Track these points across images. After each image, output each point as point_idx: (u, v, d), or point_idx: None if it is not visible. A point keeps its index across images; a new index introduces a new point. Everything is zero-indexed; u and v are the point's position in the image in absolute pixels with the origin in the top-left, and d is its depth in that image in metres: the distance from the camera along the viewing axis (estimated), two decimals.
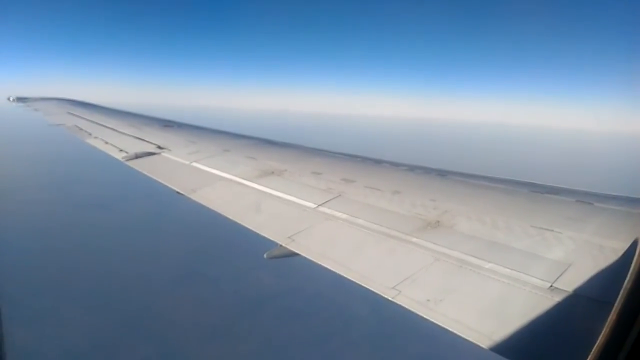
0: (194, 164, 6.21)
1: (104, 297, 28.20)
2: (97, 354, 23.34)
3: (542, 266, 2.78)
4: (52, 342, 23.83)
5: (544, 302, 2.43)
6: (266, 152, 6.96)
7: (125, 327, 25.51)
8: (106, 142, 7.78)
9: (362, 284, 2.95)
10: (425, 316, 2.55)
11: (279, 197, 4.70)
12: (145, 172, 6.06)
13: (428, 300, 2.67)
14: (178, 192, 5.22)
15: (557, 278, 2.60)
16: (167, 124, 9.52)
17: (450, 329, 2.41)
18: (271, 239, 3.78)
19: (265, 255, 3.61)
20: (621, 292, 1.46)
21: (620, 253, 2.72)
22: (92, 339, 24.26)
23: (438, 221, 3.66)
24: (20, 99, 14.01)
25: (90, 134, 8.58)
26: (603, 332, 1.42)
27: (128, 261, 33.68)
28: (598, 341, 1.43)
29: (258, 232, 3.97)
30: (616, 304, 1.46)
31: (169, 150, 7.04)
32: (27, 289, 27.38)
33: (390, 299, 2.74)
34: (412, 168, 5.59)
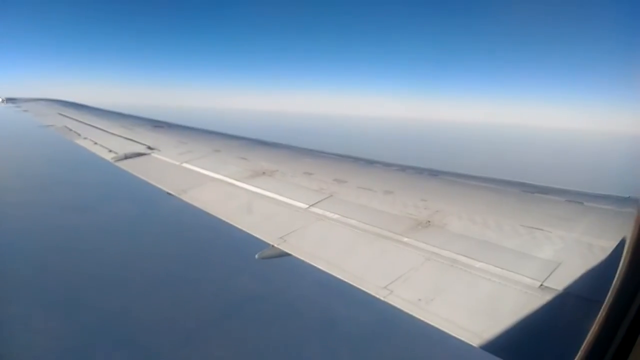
0: (185, 165, 6.17)
1: (81, 301, 27.54)
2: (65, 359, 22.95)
3: (533, 265, 2.79)
4: (22, 347, 23.32)
5: (534, 301, 2.45)
6: (257, 152, 6.93)
7: (99, 332, 24.94)
8: (95, 143, 7.70)
9: (354, 284, 2.94)
10: (416, 315, 2.55)
11: (270, 198, 4.68)
12: (135, 173, 6.00)
13: (419, 299, 2.67)
14: (168, 193, 5.18)
15: (547, 277, 2.62)
16: (158, 125, 9.45)
17: (441, 328, 2.41)
18: (263, 239, 3.77)
19: (257, 256, 3.60)
20: (610, 290, 1.47)
21: (609, 252, 2.75)
22: (64, 344, 23.67)
23: (429, 221, 3.67)
24: (9, 100, 13.87)
25: (79, 135, 8.50)
26: (592, 329, 1.43)
27: (114, 264, 32.99)
28: (587, 338, 1.43)
29: (249, 232, 3.95)
30: (605, 302, 1.46)
31: (159, 150, 6.99)
32: (2, 294, 26.99)
33: (381, 298, 2.74)
34: (403, 168, 5.61)
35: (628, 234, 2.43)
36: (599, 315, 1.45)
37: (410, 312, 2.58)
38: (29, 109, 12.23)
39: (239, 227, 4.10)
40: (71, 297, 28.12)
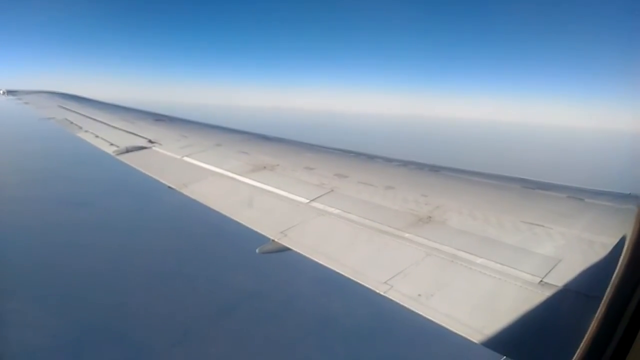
0: (186, 159, 6.16)
1: (81, 297, 27.53)
2: (60, 356, 22.86)
3: (533, 261, 2.80)
4: (19, 343, 23.24)
5: (534, 297, 2.45)
6: (259, 146, 6.92)
7: (97, 328, 24.88)
8: (97, 136, 7.69)
9: (354, 279, 2.95)
10: (416, 311, 2.55)
11: (271, 192, 4.67)
12: (136, 167, 5.99)
13: (419, 295, 2.67)
14: (169, 187, 5.17)
15: (547, 273, 2.62)
16: (159, 118, 9.44)
17: (441, 324, 2.41)
18: (263, 234, 3.77)
19: (257, 250, 3.60)
20: (609, 286, 1.47)
21: (609, 248, 2.75)
22: (62, 340, 23.66)
23: (430, 216, 3.67)
24: (10, 92, 13.84)
25: (80, 128, 8.49)
26: (592, 325, 1.44)
27: (114, 258, 32.99)
28: (587, 334, 1.44)
29: (250, 227, 3.95)
30: (604, 299, 1.47)
31: (161, 144, 6.98)
32: (1, 289, 26.97)
33: (381, 293, 2.74)
34: (404, 164, 5.60)
35: (628, 230, 2.43)
36: (598, 311, 1.45)
37: (410, 308, 2.58)
38: (30, 102, 12.20)
39: (240, 221, 4.09)
40: (70, 292, 28.11)
